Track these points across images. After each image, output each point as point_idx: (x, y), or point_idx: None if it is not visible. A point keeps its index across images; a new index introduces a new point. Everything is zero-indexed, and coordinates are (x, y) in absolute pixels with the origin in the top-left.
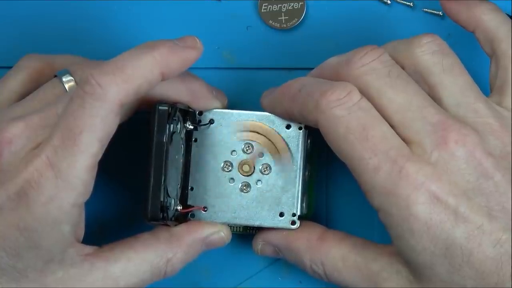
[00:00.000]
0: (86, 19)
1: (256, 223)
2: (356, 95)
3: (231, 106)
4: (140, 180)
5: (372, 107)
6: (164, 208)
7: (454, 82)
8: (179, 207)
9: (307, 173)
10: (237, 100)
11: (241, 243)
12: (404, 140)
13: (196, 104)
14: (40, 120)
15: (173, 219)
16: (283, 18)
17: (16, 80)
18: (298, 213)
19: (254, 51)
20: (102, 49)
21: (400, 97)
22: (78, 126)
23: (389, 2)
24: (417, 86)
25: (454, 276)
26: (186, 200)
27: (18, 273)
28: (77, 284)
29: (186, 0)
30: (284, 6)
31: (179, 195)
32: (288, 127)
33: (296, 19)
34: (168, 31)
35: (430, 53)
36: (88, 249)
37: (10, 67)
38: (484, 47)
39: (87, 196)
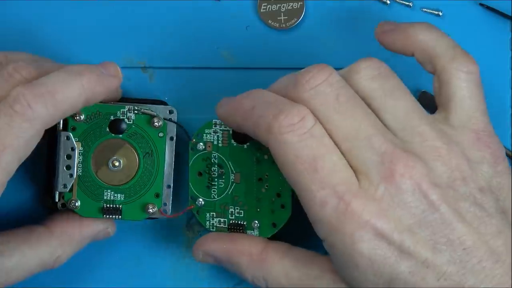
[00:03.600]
0: (84, 19)
1: None
2: (309, 121)
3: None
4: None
5: (324, 134)
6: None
7: (396, 106)
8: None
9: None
10: None
11: None
12: (352, 168)
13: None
14: None
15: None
16: (282, 18)
17: None
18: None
19: (253, 51)
20: (100, 49)
21: (348, 124)
22: (3, 145)
23: (388, 2)
24: (366, 111)
25: None
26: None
27: None
28: None
29: (186, 0)
30: (283, 6)
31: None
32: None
33: (295, 19)
34: (167, 31)
35: (369, 79)
36: None
37: None
38: (425, 66)
39: None
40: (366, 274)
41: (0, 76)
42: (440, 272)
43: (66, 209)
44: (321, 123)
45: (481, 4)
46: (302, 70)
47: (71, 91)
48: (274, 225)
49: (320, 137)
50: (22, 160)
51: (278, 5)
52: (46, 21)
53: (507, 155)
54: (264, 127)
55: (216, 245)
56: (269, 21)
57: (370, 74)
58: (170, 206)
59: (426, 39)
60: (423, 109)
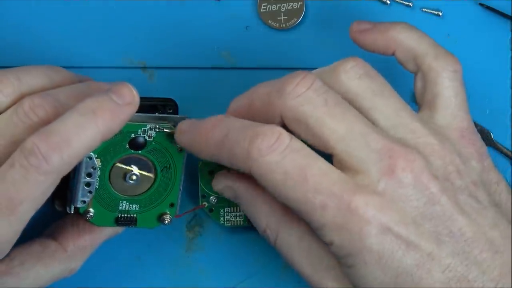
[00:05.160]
0: (85, 19)
1: None
2: (286, 137)
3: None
4: None
5: (303, 146)
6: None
7: (386, 105)
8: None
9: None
10: None
11: (241, 243)
12: (348, 170)
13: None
14: None
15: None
16: (282, 18)
17: None
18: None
19: (253, 51)
20: (100, 49)
21: (341, 126)
22: (20, 198)
23: (388, 2)
24: (355, 112)
25: None
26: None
27: None
28: None
29: (186, 0)
30: (283, 6)
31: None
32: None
33: (295, 19)
34: (167, 31)
35: (357, 78)
36: (0, 265)
37: None
38: (407, 65)
39: (6, 252)
40: (373, 270)
41: (16, 114)
42: (444, 264)
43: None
44: (312, 128)
45: (481, 4)
46: (283, 78)
47: (87, 136)
48: None
49: (300, 149)
50: (38, 208)
51: (278, 5)
52: (46, 21)
53: (506, 155)
54: (241, 155)
55: (243, 183)
56: (269, 21)
57: (358, 73)
58: (179, 207)
59: (408, 38)
60: (411, 108)
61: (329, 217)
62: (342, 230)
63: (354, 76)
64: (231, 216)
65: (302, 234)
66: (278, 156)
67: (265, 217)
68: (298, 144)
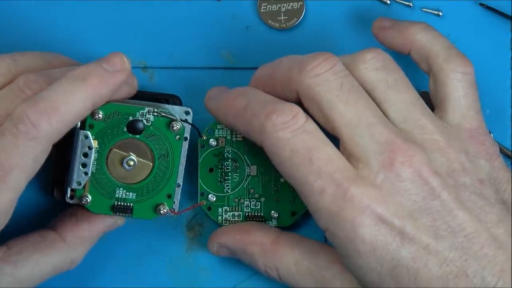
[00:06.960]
0: (84, 19)
1: None
2: (301, 118)
3: None
4: None
5: (316, 129)
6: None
7: (399, 99)
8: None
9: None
10: None
11: None
12: (351, 157)
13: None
14: None
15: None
16: (282, 18)
17: None
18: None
19: (253, 51)
20: (100, 49)
21: (350, 112)
22: (10, 165)
23: (388, 2)
24: (368, 101)
25: None
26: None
27: None
28: None
29: (186, 0)
30: (283, 6)
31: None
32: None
33: (295, 19)
34: (167, 31)
35: (374, 70)
36: None
37: None
38: (421, 65)
39: (3, 224)
40: (368, 261)
41: (11, 90)
42: (442, 258)
43: (75, 203)
44: (322, 109)
45: (481, 4)
46: (308, 55)
47: (75, 101)
48: (293, 213)
49: (313, 131)
50: (31, 177)
51: (278, 5)
52: (46, 21)
53: (506, 155)
54: (257, 127)
55: (230, 236)
56: (269, 21)
57: (375, 65)
58: (178, 204)
59: (423, 39)
60: (425, 104)
61: (325, 203)
62: (336, 218)
63: (371, 67)
64: (229, 216)
65: (297, 259)
66: (289, 134)
67: (260, 258)
68: (312, 126)
